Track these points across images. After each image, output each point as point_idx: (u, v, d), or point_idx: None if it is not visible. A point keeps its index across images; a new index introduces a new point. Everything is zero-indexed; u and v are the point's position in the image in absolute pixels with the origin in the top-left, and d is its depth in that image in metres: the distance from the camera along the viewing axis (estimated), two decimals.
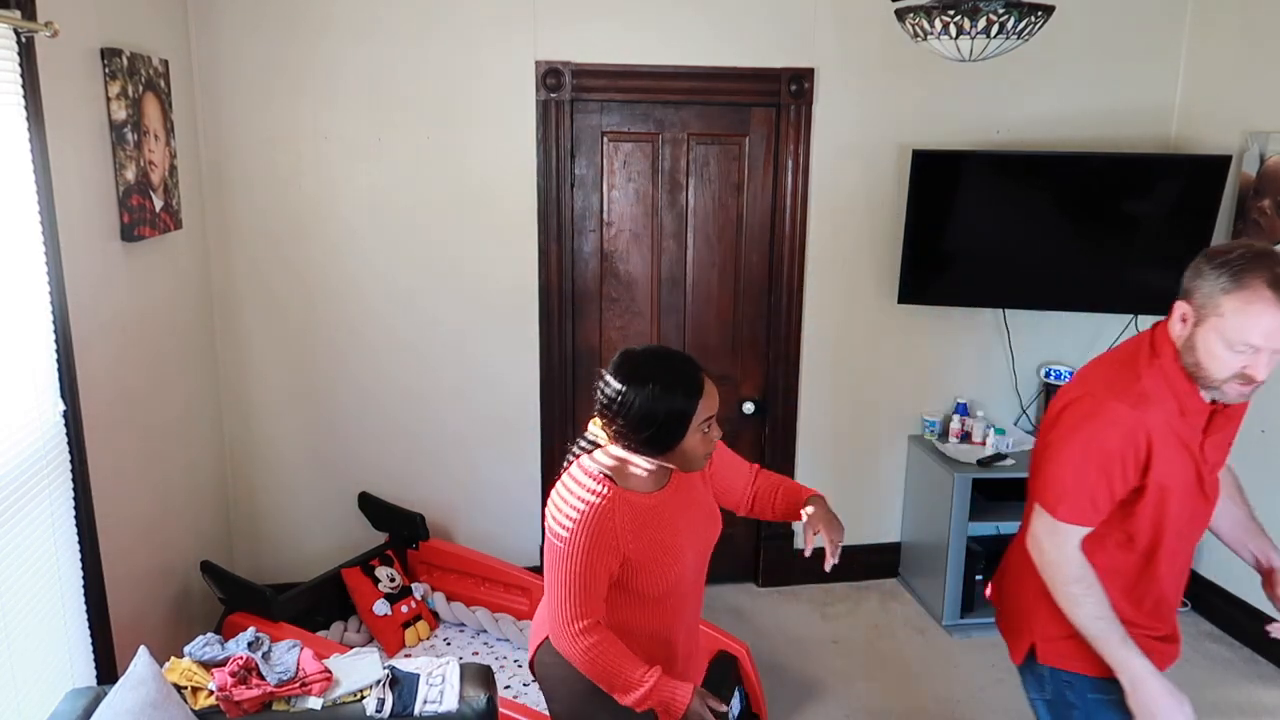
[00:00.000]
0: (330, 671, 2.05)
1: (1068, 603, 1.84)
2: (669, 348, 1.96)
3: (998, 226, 3.69)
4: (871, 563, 4.08)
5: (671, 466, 1.92)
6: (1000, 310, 3.90)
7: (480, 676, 2.11)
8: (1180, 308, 1.74)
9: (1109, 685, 1.84)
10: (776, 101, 3.62)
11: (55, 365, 2.27)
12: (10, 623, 2.03)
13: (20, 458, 2.10)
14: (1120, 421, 1.75)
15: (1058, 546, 1.84)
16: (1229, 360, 1.68)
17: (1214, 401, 1.80)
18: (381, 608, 3.32)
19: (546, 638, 1.95)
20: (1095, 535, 1.84)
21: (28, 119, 2.14)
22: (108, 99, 2.54)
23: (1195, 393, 1.78)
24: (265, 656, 2.04)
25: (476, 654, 3.31)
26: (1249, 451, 3.50)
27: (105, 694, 1.89)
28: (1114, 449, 1.76)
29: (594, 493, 1.84)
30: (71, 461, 2.33)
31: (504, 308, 3.63)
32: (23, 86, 2.13)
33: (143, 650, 1.96)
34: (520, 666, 3.26)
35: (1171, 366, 1.77)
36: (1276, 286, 1.62)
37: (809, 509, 2.03)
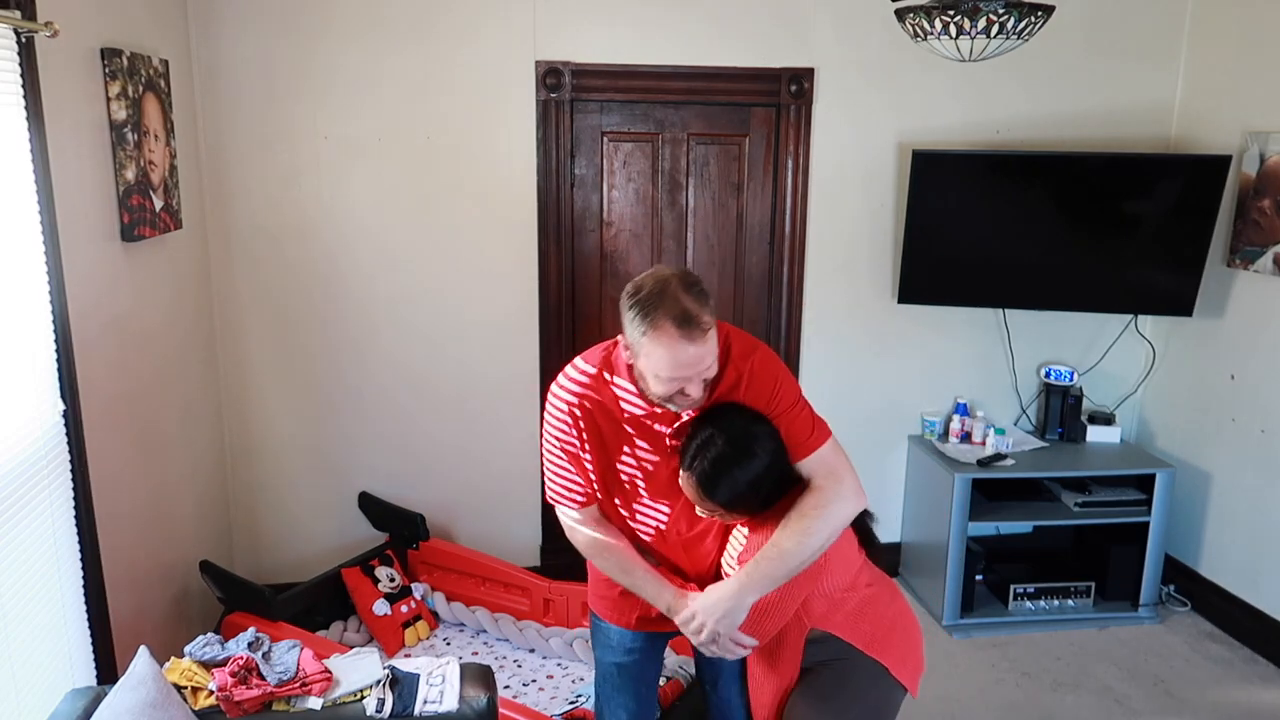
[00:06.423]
0: (330, 671, 2.05)
1: None
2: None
3: (998, 226, 3.69)
4: (872, 563, 4.07)
5: None
6: (1000, 310, 3.90)
7: (480, 676, 2.10)
8: (622, 339, 1.82)
9: None
10: (776, 101, 3.62)
11: (55, 365, 2.27)
12: (10, 623, 2.03)
13: (20, 458, 2.10)
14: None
15: None
16: (665, 387, 1.76)
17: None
18: (381, 608, 3.32)
19: None
20: None
21: (28, 119, 2.14)
22: (108, 99, 2.54)
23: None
24: (265, 656, 2.04)
25: (476, 654, 3.31)
26: (1249, 452, 3.52)
27: (105, 694, 1.89)
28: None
29: None
30: (71, 461, 2.33)
31: (504, 307, 3.63)
32: (23, 86, 2.13)
33: (143, 650, 1.96)
34: (520, 666, 3.26)
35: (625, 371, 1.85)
36: (682, 324, 1.69)
37: None
